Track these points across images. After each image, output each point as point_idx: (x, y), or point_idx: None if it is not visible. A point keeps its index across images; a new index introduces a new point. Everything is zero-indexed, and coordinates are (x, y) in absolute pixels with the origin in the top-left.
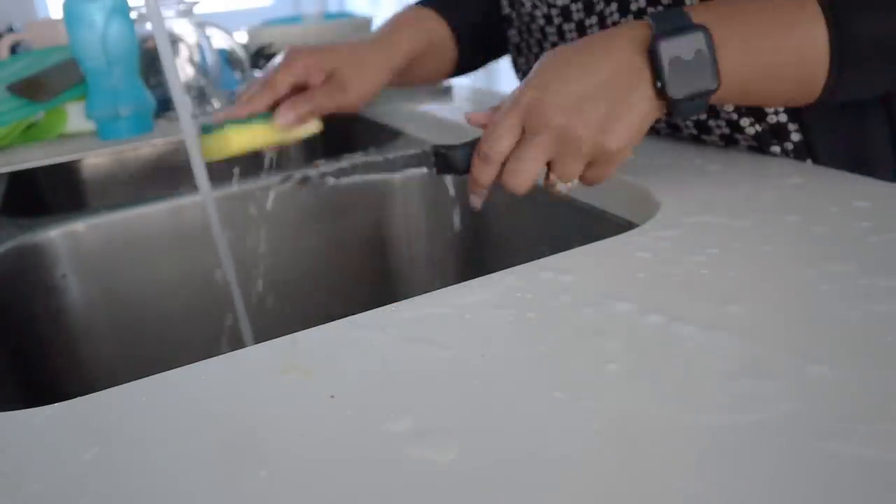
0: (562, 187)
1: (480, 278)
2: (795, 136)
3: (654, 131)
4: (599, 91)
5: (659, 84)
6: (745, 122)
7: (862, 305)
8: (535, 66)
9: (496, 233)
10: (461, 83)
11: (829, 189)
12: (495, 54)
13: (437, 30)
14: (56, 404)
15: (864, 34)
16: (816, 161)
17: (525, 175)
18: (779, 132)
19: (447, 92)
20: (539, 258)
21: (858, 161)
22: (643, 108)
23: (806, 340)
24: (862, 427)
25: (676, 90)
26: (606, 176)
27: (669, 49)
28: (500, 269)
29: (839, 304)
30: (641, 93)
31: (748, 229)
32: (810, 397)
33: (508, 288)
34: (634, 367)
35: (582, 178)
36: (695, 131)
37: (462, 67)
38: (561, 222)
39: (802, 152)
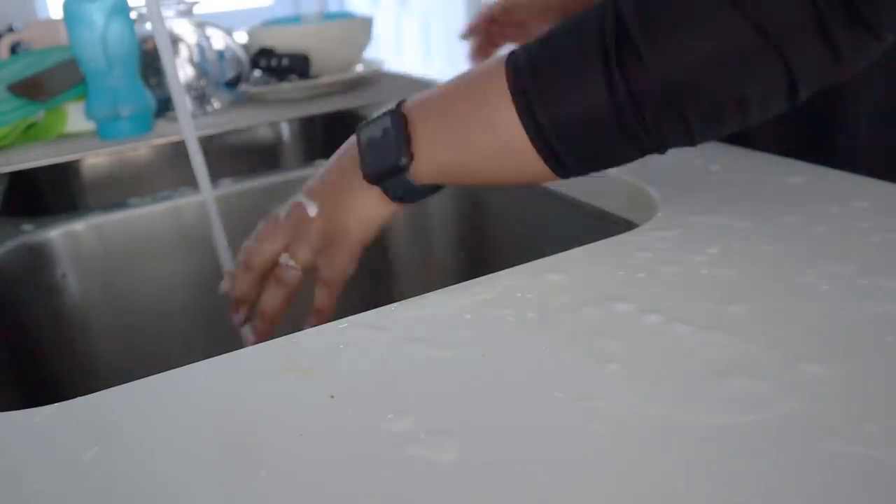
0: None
1: (480, 278)
2: None
3: None
4: (327, 183)
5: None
6: None
7: (862, 305)
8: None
9: (496, 233)
10: None
11: (829, 189)
12: None
13: None
14: (56, 404)
15: (552, 115)
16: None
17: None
18: None
19: None
20: (539, 258)
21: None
22: (363, 199)
23: (806, 340)
24: (862, 427)
25: (368, 168)
26: (336, 267)
27: (365, 133)
28: (500, 269)
29: (839, 304)
30: (356, 181)
31: (748, 229)
32: (810, 397)
33: (508, 288)
34: (634, 367)
35: (318, 269)
36: None
37: None
38: (561, 222)
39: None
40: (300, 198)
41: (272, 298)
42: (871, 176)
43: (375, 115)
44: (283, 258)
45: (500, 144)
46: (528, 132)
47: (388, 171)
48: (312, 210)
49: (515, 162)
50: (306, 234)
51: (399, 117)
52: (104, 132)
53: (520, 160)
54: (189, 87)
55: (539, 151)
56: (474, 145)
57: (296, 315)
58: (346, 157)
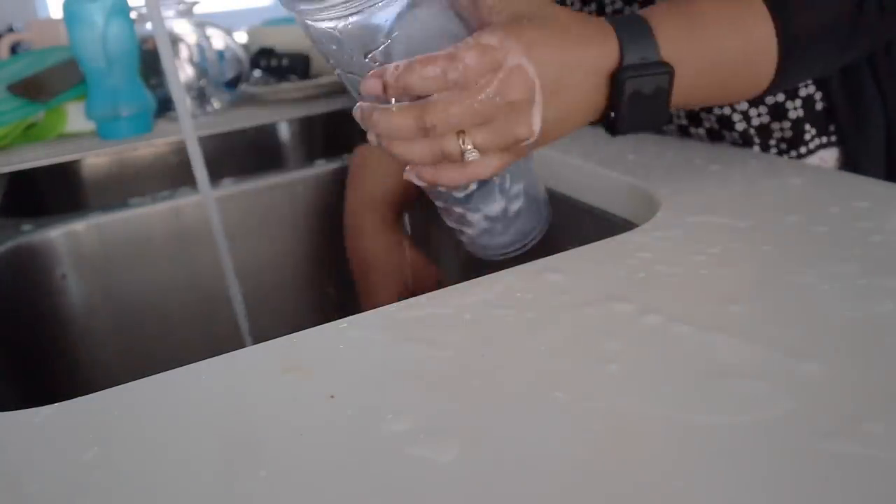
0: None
1: (480, 278)
2: (794, 114)
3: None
4: (562, 93)
5: (612, 114)
6: (736, 117)
7: (862, 305)
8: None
9: None
10: None
11: (829, 189)
12: None
13: None
14: (56, 404)
15: (807, 26)
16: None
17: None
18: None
19: None
20: (539, 258)
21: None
22: (582, 120)
23: (806, 341)
24: (862, 427)
25: (626, 126)
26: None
27: (633, 85)
28: (501, 270)
29: (839, 304)
30: (590, 112)
31: (748, 229)
32: (810, 397)
33: (508, 288)
34: (634, 367)
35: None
36: (685, 122)
37: None
38: (561, 222)
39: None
40: (522, 61)
41: (423, 153)
42: None
43: (640, 56)
44: (466, 142)
45: (746, 52)
46: (778, 32)
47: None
48: (535, 86)
49: (744, 87)
50: (508, 123)
51: (672, 77)
52: (104, 132)
53: (754, 62)
54: (189, 87)
55: (781, 53)
56: (725, 78)
57: (295, 316)
58: (591, 87)
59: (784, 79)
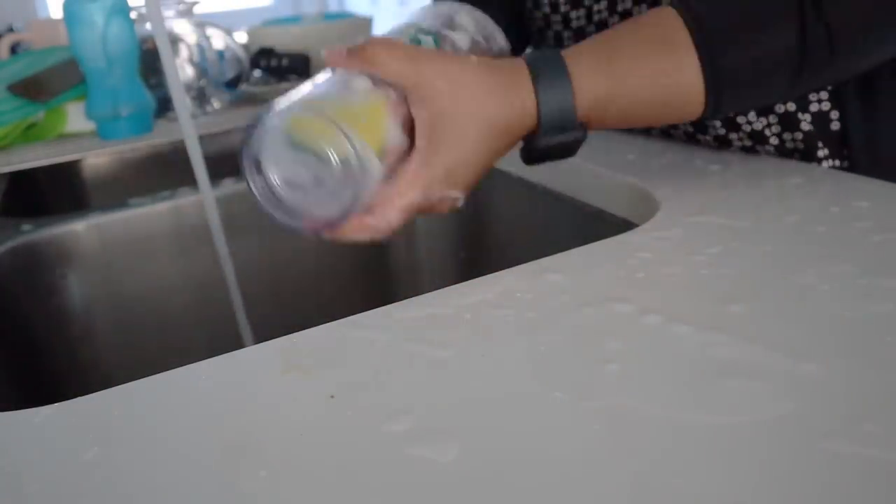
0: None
1: (480, 278)
2: (806, 126)
3: (646, 133)
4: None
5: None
6: (741, 119)
7: (862, 305)
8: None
9: (496, 233)
10: None
11: (829, 189)
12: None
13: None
14: (56, 404)
15: (735, 62)
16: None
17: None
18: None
19: None
20: (539, 258)
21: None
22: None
23: (805, 340)
24: (862, 427)
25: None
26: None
27: (547, 140)
28: (500, 269)
29: (839, 304)
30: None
31: (748, 229)
32: (810, 397)
33: (508, 288)
34: (634, 367)
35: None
36: (690, 129)
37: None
38: (561, 222)
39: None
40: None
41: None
42: None
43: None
44: None
45: (668, 83)
46: (705, 74)
47: (559, 109)
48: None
49: (675, 103)
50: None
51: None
52: (104, 132)
53: (681, 100)
54: (189, 87)
55: (708, 93)
56: (639, 81)
57: (295, 316)
58: (515, 127)
59: (719, 110)
